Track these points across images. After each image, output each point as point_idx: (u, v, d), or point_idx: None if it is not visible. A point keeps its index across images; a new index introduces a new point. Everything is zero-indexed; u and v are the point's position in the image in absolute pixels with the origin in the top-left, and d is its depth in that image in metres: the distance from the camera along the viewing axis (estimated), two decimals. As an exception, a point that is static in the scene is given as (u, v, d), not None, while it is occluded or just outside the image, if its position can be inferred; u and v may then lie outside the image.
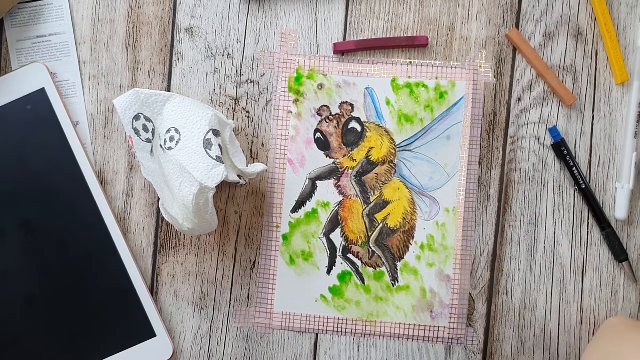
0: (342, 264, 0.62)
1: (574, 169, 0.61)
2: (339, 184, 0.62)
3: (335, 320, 0.62)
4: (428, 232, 0.62)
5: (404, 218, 0.62)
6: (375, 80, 0.62)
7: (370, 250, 0.62)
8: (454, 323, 0.61)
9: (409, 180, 0.62)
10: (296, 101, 0.62)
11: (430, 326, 0.61)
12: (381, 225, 0.62)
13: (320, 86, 0.62)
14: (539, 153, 0.62)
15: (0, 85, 0.61)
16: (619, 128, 0.62)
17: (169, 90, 0.63)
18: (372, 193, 0.62)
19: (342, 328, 0.62)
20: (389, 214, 0.62)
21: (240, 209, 0.62)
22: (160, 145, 0.56)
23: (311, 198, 0.62)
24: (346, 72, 0.62)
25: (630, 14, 0.62)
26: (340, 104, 0.62)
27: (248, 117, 0.62)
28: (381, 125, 0.62)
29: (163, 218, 0.62)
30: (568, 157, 0.61)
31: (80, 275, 0.60)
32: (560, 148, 0.61)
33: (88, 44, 0.63)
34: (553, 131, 0.61)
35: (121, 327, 0.60)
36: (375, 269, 0.62)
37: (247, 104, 0.62)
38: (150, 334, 0.60)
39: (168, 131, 0.56)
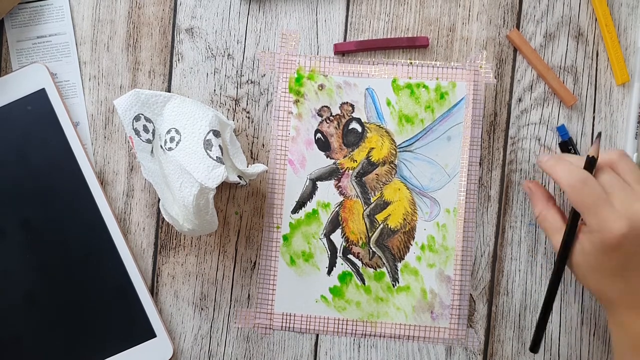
0: (342, 264, 0.62)
1: (581, 168, 0.61)
2: (340, 184, 0.62)
3: (335, 320, 0.62)
4: (428, 233, 0.62)
5: (404, 219, 0.62)
6: (376, 80, 0.62)
7: (371, 250, 0.62)
8: (454, 324, 0.61)
9: (410, 181, 0.62)
10: (296, 102, 0.62)
11: (430, 327, 0.61)
12: (381, 225, 0.62)
13: (321, 87, 0.62)
14: (539, 154, 0.62)
15: (1, 86, 0.61)
16: (620, 129, 0.62)
17: (169, 91, 0.62)
18: (373, 194, 0.62)
19: (342, 328, 0.62)
20: (390, 215, 0.62)
21: (241, 210, 0.62)
22: (161, 146, 0.56)
23: (311, 199, 0.62)
24: (347, 72, 0.62)
25: (631, 14, 0.62)
26: (341, 104, 0.62)
27: (248, 118, 0.62)
28: (382, 125, 0.62)
29: (163, 219, 0.62)
30: (575, 157, 0.61)
31: (81, 275, 0.60)
32: (568, 147, 0.61)
33: (88, 45, 0.63)
34: (561, 129, 0.61)
35: (121, 327, 0.60)
36: (376, 270, 0.62)
37: (247, 104, 0.62)
38: (150, 334, 0.60)
39: (168, 132, 0.56)
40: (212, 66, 0.62)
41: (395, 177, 0.62)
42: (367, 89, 0.62)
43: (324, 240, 0.62)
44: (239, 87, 0.62)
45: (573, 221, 0.54)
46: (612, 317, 0.54)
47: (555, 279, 0.56)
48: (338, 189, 0.62)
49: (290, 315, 0.62)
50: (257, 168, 0.59)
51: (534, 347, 0.57)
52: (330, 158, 0.62)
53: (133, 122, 0.57)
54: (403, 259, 0.62)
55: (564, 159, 0.55)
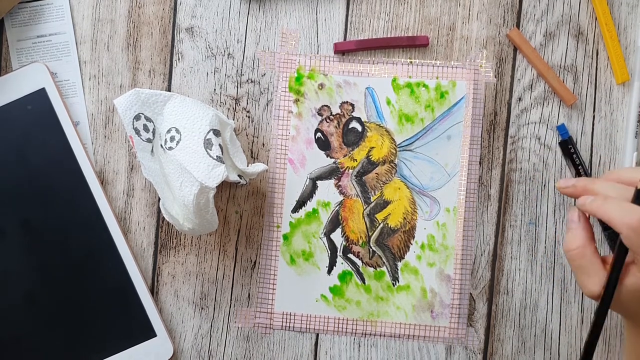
0: (342, 263, 0.62)
1: (580, 167, 0.61)
2: (340, 183, 0.62)
3: (335, 320, 0.62)
4: (428, 232, 0.62)
5: (404, 218, 0.62)
6: (376, 79, 0.62)
7: (371, 250, 0.62)
8: (454, 323, 0.61)
9: (410, 180, 0.62)
10: (297, 101, 0.62)
11: (430, 326, 0.61)
12: (382, 225, 0.62)
13: (321, 86, 0.62)
14: (539, 153, 0.62)
15: (1, 85, 0.61)
16: (620, 128, 0.62)
17: (169, 90, 0.63)
18: (373, 193, 0.62)
19: (342, 328, 0.62)
20: (390, 214, 0.62)
21: (241, 209, 0.62)
22: (161, 145, 0.56)
23: (312, 198, 0.62)
24: (347, 71, 0.62)
25: (630, 13, 0.62)
26: (341, 103, 0.62)
27: (248, 117, 0.62)
28: (382, 125, 0.62)
29: (163, 218, 0.62)
30: (575, 155, 0.61)
31: (81, 275, 0.60)
32: (568, 146, 0.61)
33: (88, 44, 0.63)
34: (561, 128, 0.61)
35: (121, 327, 0.60)
36: (376, 269, 0.62)
37: (247, 103, 0.62)
38: (150, 334, 0.60)
39: (168, 131, 0.56)
40: (212, 65, 0.62)
41: (395, 176, 0.62)
42: (367, 88, 0.62)
43: (324, 239, 0.62)
44: (239, 86, 0.62)
45: (619, 260, 0.48)
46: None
47: (596, 330, 0.50)
48: (338, 188, 0.62)
49: (290, 315, 0.62)
50: (257, 167, 0.59)
51: None
52: (331, 157, 0.62)
53: (133, 122, 0.57)
54: (403, 258, 0.62)
55: (610, 195, 0.48)
